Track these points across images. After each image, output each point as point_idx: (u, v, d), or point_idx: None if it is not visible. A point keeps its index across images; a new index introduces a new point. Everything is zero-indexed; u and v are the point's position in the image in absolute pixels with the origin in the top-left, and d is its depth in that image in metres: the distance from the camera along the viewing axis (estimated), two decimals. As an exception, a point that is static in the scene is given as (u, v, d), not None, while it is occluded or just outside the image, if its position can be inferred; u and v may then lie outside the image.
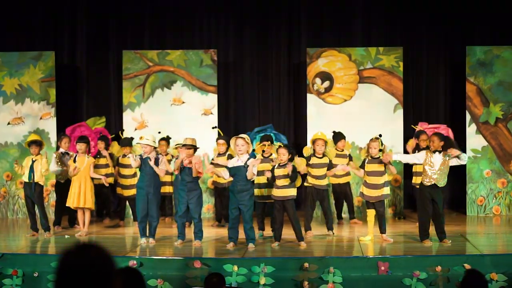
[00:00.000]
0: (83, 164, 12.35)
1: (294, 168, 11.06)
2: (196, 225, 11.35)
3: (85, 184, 12.32)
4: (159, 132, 14.31)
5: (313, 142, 12.23)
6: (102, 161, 13.97)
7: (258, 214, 12.23)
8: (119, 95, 15.72)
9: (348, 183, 13.81)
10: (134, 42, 16.20)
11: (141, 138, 11.57)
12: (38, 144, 12.58)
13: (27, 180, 12.47)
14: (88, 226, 12.49)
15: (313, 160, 12.21)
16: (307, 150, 12.71)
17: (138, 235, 11.62)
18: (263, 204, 12.14)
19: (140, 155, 11.60)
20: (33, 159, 12.47)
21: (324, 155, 12.20)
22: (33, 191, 12.40)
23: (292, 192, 11.17)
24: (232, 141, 11.23)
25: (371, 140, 11.67)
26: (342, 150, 13.52)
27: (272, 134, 14.72)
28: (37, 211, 12.61)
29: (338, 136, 13.67)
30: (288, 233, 11.36)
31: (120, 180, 13.80)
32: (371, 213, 11.65)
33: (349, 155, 13.45)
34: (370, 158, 11.61)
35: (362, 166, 11.68)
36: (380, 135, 11.95)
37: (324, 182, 12.24)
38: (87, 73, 16.38)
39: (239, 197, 10.97)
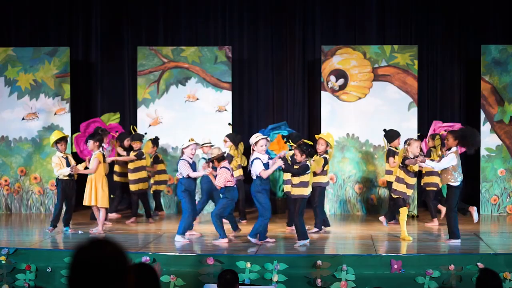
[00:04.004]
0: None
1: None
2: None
3: (98, 182, 12.15)
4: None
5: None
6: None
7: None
8: (133, 91, 15.74)
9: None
10: (149, 38, 16.23)
11: (191, 140, 11.58)
12: (65, 140, 12.58)
13: (67, 177, 12.40)
14: (102, 225, 12.35)
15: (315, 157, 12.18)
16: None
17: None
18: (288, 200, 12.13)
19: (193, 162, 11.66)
20: (64, 156, 12.43)
21: (324, 153, 12.20)
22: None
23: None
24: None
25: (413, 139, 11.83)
26: (396, 149, 13.05)
27: (286, 132, 14.73)
28: (64, 206, 12.50)
29: (391, 135, 13.24)
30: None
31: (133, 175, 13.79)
32: (404, 212, 11.57)
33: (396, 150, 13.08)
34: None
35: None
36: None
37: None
38: (102, 69, 16.40)
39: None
